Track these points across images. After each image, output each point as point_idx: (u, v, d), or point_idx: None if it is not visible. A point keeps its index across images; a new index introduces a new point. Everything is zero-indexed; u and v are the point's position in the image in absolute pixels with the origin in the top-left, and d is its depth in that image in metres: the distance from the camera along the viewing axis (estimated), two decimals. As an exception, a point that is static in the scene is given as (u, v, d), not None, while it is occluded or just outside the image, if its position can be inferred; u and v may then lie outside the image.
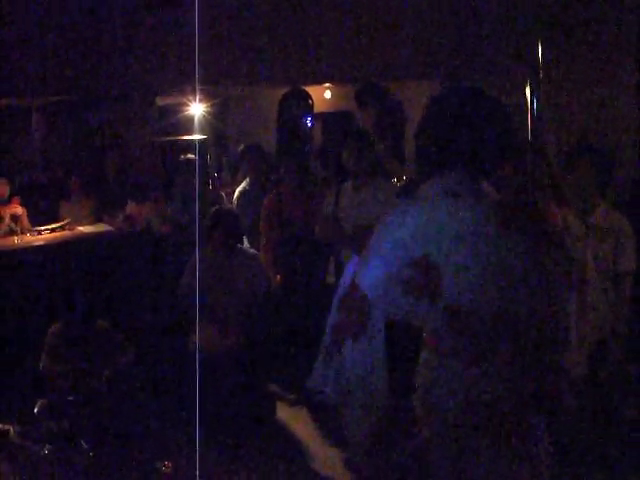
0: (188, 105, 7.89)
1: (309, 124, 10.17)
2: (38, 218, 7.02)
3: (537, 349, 2.20)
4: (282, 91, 9.91)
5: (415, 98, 8.05)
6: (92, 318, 5.07)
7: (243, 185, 6.42)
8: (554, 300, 2.21)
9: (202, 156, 8.03)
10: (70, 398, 4.86)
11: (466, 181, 2.25)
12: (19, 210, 6.86)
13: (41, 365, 4.99)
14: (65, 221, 7.00)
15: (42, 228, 6.81)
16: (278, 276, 5.67)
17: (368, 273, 2.23)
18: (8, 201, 6.88)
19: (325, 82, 9.21)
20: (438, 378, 2.25)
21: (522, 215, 2.20)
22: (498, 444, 2.22)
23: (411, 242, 2.14)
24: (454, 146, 2.27)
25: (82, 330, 5.03)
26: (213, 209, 5.52)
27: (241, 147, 6.89)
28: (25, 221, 6.86)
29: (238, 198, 6.36)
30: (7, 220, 6.74)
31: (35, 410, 4.94)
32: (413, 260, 2.13)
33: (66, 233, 6.85)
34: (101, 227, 7.04)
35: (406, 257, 2.14)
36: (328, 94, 9.79)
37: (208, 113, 8.14)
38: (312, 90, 9.86)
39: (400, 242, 2.16)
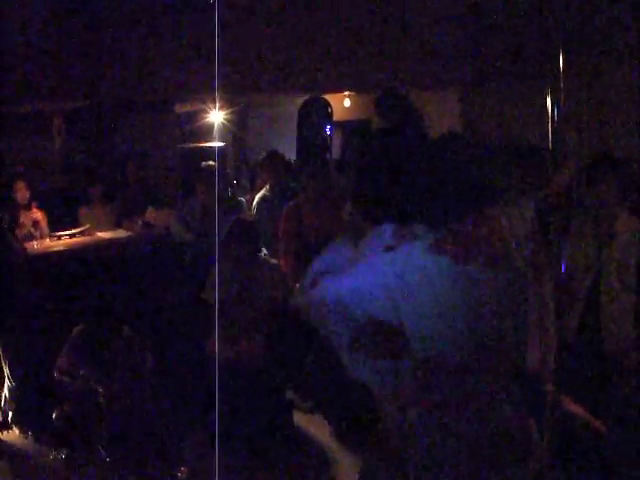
0: (208, 112, 7.92)
1: (329, 132, 10.17)
2: (57, 223, 7.05)
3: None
4: (302, 99, 9.93)
5: (434, 107, 8.05)
6: (118, 323, 5.09)
7: (263, 192, 6.42)
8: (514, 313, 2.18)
9: (222, 163, 8.05)
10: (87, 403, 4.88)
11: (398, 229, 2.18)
12: (39, 215, 6.89)
13: (57, 364, 5.00)
14: (85, 227, 7.03)
15: (61, 233, 6.83)
16: (297, 285, 5.65)
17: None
18: (28, 206, 6.90)
19: (345, 90, 9.22)
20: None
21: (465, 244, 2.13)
22: None
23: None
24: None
25: (107, 334, 5.05)
26: (232, 220, 5.51)
27: (262, 154, 6.89)
28: (44, 226, 6.89)
29: (258, 205, 6.36)
30: (28, 225, 6.77)
31: (53, 415, 4.96)
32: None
33: (85, 238, 6.87)
34: (121, 233, 7.06)
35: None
36: (348, 102, 9.79)
37: (228, 121, 8.17)
38: (332, 98, 9.86)
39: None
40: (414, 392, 2.15)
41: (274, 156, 6.61)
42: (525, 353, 2.27)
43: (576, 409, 3.08)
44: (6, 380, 5.39)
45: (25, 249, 5.85)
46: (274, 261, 5.64)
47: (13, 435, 5.26)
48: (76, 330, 5.11)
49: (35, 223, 6.84)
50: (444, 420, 2.14)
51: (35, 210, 6.93)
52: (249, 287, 5.29)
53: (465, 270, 2.06)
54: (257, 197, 6.45)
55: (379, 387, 2.26)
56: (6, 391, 5.38)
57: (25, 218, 6.82)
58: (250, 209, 6.81)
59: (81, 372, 4.92)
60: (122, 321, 5.21)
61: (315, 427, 5.26)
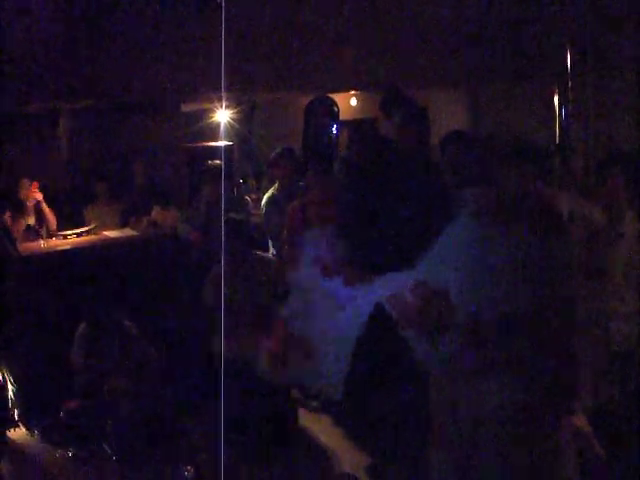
0: (214, 111, 7.92)
1: (335, 131, 10.15)
2: (64, 222, 7.05)
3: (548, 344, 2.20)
4: (308, 98, 9.91)
5: (441, 105, 8.04)
6: (118, 319, 5.11)
7: (271, 190, 6.38)
8: (560, 288, 2.20)
9: (228, 162, 8.04)
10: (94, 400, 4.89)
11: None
12: (46, 214, 6.87)
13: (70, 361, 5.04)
14: (91, 226, 7.03)
15: (68, 232, 6.83)
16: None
17: None
18: (38, 205, 6.89)
19: (351, 89, 9.20)
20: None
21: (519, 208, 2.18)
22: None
23: None
24: None
25: (112, 332, 5.07)
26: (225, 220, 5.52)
27: (277, 150, 6.81)
28: (53, 225, 6.88)
29: (267, 203, 6.32)
30: (34, 224, 6.77)
31: (61, 413, 4.97)
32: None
33: (92, 237, 6.87)
34: (127, 232, 7.06)
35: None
36: (354, 101, 9.78)
37: (234, 119, 8.16)
38: (338, 97, 9.85)
39: None
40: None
41: (288, 153, 6.51)
42: None
43: (585, 427, 3.05)
44: (8, 384, 5.41)
45: (18, 251, 5.86)
46: (268, 256, 5.63)
47: (20, 433, 5.27)
48: (81, 328, 5.13)
49: (41, 222, 6.84)
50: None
51: (43, 208, 6.91)
52: (244, 285, 5.29)
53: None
54: (265, 196, 6.42)
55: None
56: (10, 393, 5.40)
57: (30, 217, 6.82)
58: (256, 208, 6.80)
59: (88, 369, 4.95)
60: (127, 319, 5.22)
61: (321, 426, 5.25)
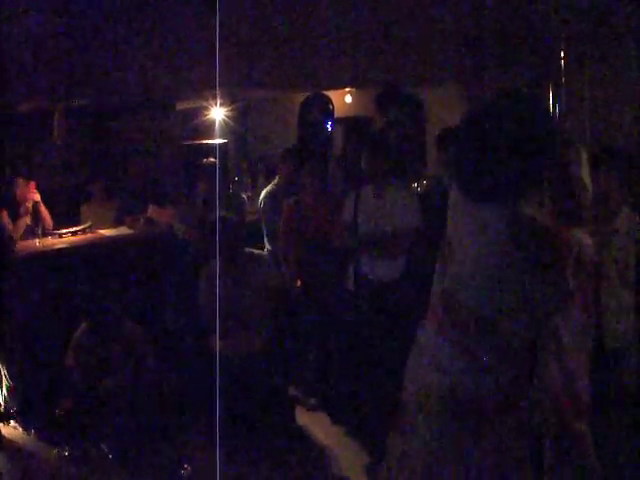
0: (209, 109, 7.91)
1: (330, 129, 10.16)
2: (59, 221, 7.04)
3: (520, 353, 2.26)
4: (303, 95, 9.91)
5: (436, 102, 8.04)
6: (114, 318, 5.12)
7: (270, 187, 6.39)
8: (543, 318, 2.28)
9: (223, 160, 8.04)
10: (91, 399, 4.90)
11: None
12: (42, 212, 6.86)
13: (65, 361, 5.04)
14: (87, 224, 7.02)
15: (63, 231, 6.82)
16: (299, 280, 5.67)
17: None
18: (37, 204, 6.87)
19: (346, 86, 9.20)
20: (432, 360, 2.32)
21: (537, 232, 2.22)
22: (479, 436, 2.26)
23: None
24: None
25: (109, 330, 5.07)
26: (211, 219, 5.52)
27: (287, 146, 6.84)
28: (49, 223, 6.87)
29: (264, 200, 6.33)
30: (30, 223, 6.76)
31: (56, 412, 4.97)
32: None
33: (87, 236, 6.86)
34: (123, 230, 7.06)
35: None
36: (349, 98, 9.77)
37: (229, 117, 8.16)
38: (333, 94, 9.85)
39: None
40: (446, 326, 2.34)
41: (295, 152, 6.54)
42: None
43: (584, 432, 3.05)
44: (3, 379, 5.41)
45: (13, 250, 5.87)
46: (263, 253, 5.64)
47: (16, 432, 5.27)
48: (81, 327, 5.13)
49: (38, 221, 6.83)
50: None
51: (40, 209, 6.90)
52: (240, 281, 5.30)
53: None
54: (264, 191, 6.44)
55: None
56: (5, 390, 5.40)
57: (26, 216, 6.81)
58: (251, 206, 6.81)
59: (85, 365, 4.96)
60: (125, 317, 5.23)
61: (317, 424, 5.26)
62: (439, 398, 2.30)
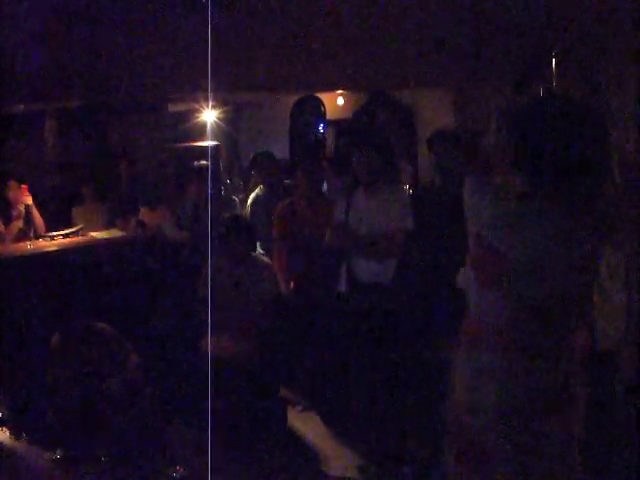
0: (200, 111, 7.91)
1: (322, 131, 10.17)
2: (51, 223, 7.03)
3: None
4: (295, 98, 9.92)
5: (427, 105, 8.06)
6: (92, 322, 5.09)
7: (257, 191, 6.42)
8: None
9: (214, 162, 8.05)
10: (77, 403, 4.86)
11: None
12: (34, 215, 6.84)
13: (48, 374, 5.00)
14: (78, 226, 7.01)
15: (55, 234, 6.81)
16: (292, 282, 5.67)
17: None
18: (29, 207, 6.85)
19: (338, 89, 9.21)
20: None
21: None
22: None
23: None
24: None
25: (81, 334, 5.04)
26: (227, 217, 5.52)
27: (251, 155, 6.91)
28: (40, 226, 6.85)
29: (252, 204, 6.36)
30: (23, 226, 6.75)
31: (48, 415, 4.95)
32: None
33: (79, 239, 6.86)
34: (114, 232, 7.05)
35: None
36: (341, 101, 9.78)
37: (220, 120, 8.16)
38: (325, 97, 9.86)
39: None
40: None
41: (264, 157, 6.62)
42: None
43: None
44: None
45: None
46: (267, 259, 5.65)
47: (6, 436, 5.24)
48: (57, 332, 5.10)
49: (29, 224, 6.81)
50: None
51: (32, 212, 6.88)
52: (242, 285, 5.31)
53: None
54: (251, 196, 6.46)
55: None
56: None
57: (19, 219, 6.79)
58: (243, 208, 6.82)
59: (65, 373, 4.92)
60: (107, 322, 5.20)
61: (309, 426, 5.26)
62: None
